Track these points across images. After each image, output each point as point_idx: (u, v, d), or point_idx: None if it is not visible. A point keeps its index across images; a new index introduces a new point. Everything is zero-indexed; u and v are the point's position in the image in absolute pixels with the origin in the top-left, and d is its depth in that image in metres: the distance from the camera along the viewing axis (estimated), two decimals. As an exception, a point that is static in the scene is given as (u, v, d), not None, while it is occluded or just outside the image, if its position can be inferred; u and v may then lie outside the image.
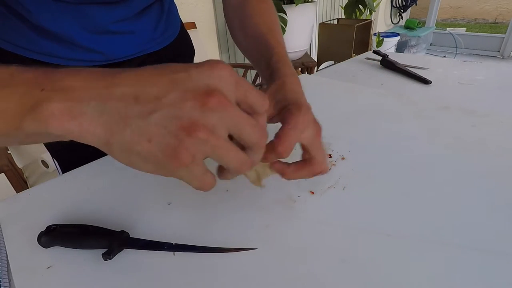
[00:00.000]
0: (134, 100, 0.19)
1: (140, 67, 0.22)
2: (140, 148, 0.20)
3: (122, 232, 0.34)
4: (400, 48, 3.47)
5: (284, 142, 0.29)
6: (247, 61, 2.45)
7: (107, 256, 0.32)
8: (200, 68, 0.21)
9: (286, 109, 0.32)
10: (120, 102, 0.19)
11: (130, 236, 0.34)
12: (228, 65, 0.22)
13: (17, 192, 0.46)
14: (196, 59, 0.76)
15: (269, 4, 0.53)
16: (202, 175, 0.23)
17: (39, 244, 0.34)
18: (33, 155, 1.15)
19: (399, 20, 4.10)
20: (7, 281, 0.32)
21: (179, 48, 0.67)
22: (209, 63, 0.21)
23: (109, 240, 0.33)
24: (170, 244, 0.33)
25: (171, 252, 0.33)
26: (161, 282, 0.31)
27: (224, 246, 0.33)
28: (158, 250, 0.33)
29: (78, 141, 0.20)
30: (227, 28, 0.58)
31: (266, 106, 0.23)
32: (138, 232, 0.37)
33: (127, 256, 0.33)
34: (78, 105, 0.19)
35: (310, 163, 0.32)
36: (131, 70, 0.21)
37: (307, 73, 1.88)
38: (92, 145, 0.21)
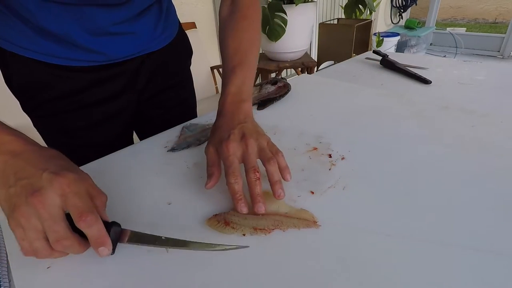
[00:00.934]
0: (13, 174, 0.30)
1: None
2: (2, 204, 0.31)
3: (113, 223, 0.33)
4: (400, 48, 3.47)
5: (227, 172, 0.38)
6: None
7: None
8: (51, 174, 0.30)
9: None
10: (10, 173, 0.30)
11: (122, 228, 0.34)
12: (70, 181, 0.30)
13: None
14: (196, 59, 0.76)
15: (249, 21, 0.53)
16: (31, 237, 0.29)
17: None
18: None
19: (399, 20, 4.10)
20: (7, 281, 0.32)
21: (177, 48, 0.67)
22: (60, 174, 0.30)
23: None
24: (161, 238, 0.33)
25: (165, 250, 0.33)
26: (158, 281, 0.31)
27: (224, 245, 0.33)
28: (151, 245, 0.33)
29: None
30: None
31: (83, 224, 0.29)
32: (139, 230, 0.37)
33: (127, 256, 0.33)
34: None
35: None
36: (37, 151, 0.32)
37: (307, 73, 1.88)
38: None
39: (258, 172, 0.38)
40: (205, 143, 0.55)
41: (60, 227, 0.29)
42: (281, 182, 0.39)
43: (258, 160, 0.40)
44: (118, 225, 0.33)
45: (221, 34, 0.55)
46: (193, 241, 0.33)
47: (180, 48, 0.69)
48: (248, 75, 0.49)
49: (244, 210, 0.37)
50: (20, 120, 0.56)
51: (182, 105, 0.73)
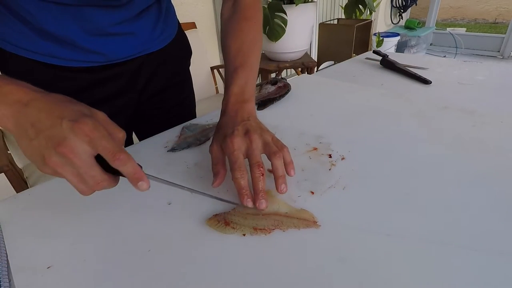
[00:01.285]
0: (31, 125, 0.30)
1: (62, 95, 0.33)
2: (28, 155, 0.31)
3: None
4: (400, 48, 3.47)
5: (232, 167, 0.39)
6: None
7: None
8: (70, 122, 0.29)
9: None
10: (24, 123, 0.30)
11: None
12: (92, 125, 0.30)
13: (17, 192, 0.46)
14: (196, 59, 0.76)
15: (250, 22, 0.53)
16: (76, 183, 0.31)
17: None
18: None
19: (399, 20, 4.10)
20: (7, 281, 0.32)
21: (177, 48, 0.67)
22: (79, 121, 0.30)
23: None
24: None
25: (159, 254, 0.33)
26: (157, 282, 0.31)
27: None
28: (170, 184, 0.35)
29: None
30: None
31: (118, 162, 0.30)
32: (139, 232, 0.37)
33: (127, 256, 0.34)
34: (7, 113, 0.31)
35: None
36: (46, 98, 0.31)
37: (307, 73, 1.88)
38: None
39: (262, 167, 0.38)
40: (205, 143, 0.55)
41: (95, 171, 0.30)
42: (285, 177, 0.39)
43: (263, 156, 0.40)
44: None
45: (223, 35, 0.55)
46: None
47: (179, 48, 0.69)
48: (250, 76, 0.49)
49: (250, 204, 0.37)
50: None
51: (182, 105, 0.74)
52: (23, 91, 0.31)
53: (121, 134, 0.33)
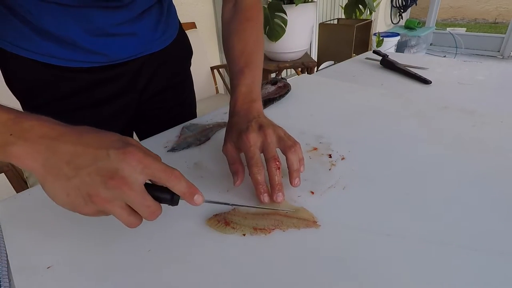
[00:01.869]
0: (66, 164, 0.27)
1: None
2: (62, 198, 0.28)
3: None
4: (400, 48, 3.47)
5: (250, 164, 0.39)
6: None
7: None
8: (118, 152, 0.28)
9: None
10: (56, 162, 0.27)
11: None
12: (140, 152, 0.29)
13: (17, 192, 0.46)
14: (196, 59, 0.76)
15: (252, 22, 0.54)
16: (126, 216, 0.30)
17: None
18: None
19: (399, 20, 4.10)
20: (7, 281, 0.32)
21: (178, 49, 0.67)
22: (126, 150, 0.28)
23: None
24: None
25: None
26: (157, 282, 0.31)
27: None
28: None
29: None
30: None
31: (174, 181, 0.30)
32: (139, 232, 0.37)
33: (127, 256, 0.34)
34: (33, 151, 0.27)
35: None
36: (75, 132, 0.29)
37: (307, 73, 1.88)
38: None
39: (278, 161, 0.39)
40: (205, 143, 0.55)
41: (150, 201, 0.30)
42: (299, 171, 0.40)
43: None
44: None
45: (225, 36, 0.55)
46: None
47: (180, 49, 0.69)
48: (256, 75, 0.49)
49: (267, 200, 0.38)
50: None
51: (182, 105, 0.74)
52: (47, 126, 0.29)
53: (157, 155, 0.32)
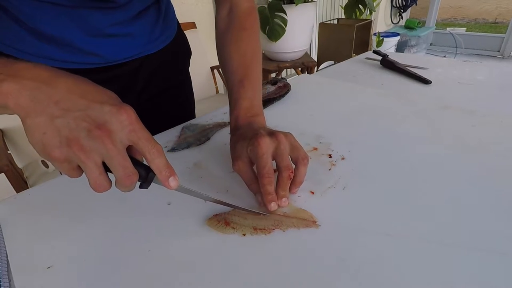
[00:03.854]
0: (54, 103, 0.26)
1: (85, 77, 0.30)
2: (37, 135, 0.27)
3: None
4: (400, 48, 3.47)
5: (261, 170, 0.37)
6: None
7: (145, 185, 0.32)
8: (112, 107, 0.27)
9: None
10: (45, 99, 0.26)
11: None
12: (134, 114, 0.28)
13: (17, 192, 0.46)
14: (196, 59, 0.76)
15: (249, 31, 0.52)
16: (97, 175, 0.28)
17: None
18: (33, 155, 1.15)
19: (399, 20, 4.10)
20: (7, 281, 0.32)
21: (176, 50, 0.67)
22: (122, 108, 0.28)
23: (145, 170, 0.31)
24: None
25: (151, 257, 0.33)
26: (157, 282, 0.31)
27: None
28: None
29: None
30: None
31: (155, 154, 0.29)
32: (139, 232, 0.37)
33: (126, 256, 0.34)
34: (22, 88, 0.26)
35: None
36: (71, 79, 0.28)
37: (307, 73, 1.88)
38: (18, 115, 0.27)
39: (292, 171, 0.38)
40: (205, 143, 0.55)
41: (129, 162, 0.28)
42: (302, 183, 0.40)
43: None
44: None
45: (220, 45, 0.54)
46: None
47: (179, 49, 0.69)
48: (257, 88, 0.48)
49: (275, 208, 0.37)
50: (18, 121, 0.56)
51: (181, 106, 0.73)
52: (41, 68, 0.27)
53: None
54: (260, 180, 0.37)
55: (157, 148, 0.29)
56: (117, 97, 0.30)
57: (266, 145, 0.37)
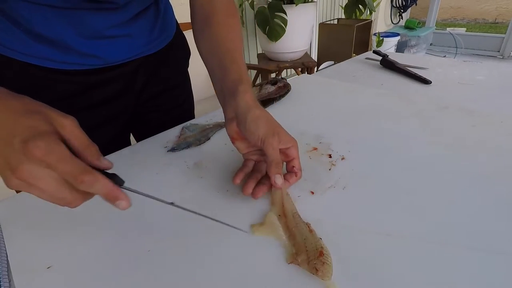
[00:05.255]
0: None
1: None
2: None
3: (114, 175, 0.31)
4: (400, 48, 3.47)
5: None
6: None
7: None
8: (20, 145, 0.25)
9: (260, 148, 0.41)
10: None
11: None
12: (42, 150, 0.25)
13: (17, 192, 0.46)
14: (196, 60, 0.76)
15: (236, 19, 0.52)
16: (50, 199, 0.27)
17: None
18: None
19: (399, 20, 4.10)
20: (7, 281, 0.32)
21: (175, 50, 0.67)
22: (28, 143, 0.25)
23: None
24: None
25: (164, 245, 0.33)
26: (157, 282, 0.31)
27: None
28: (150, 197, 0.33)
29: None
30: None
31: (85, 185, 0.27)
32: (139, 232, 0.37)
33: (126, 256, 0.34)
34: None
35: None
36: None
37: (307, 73, 1.88)
38: None
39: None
40: (205, 143, 0.55)
41: (66, 193, 0.27)
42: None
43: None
44: (119, 178, 0.31)
45: (204, 28, 0.51)
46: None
47: (178, 50, 0.68)
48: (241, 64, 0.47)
49: (280, 182, 0.39)
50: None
51: (180, 107, 0.73)
52: None
53: (92, 146, 0.30)
54: (269, 169, 0.39)
55: (83, 178, 0.27)
56: (39, 122, 0.27)
57: (276, 150, 0.39)
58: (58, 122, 0.28)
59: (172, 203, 0.34)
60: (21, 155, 0.25)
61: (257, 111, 0.41)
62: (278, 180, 0.38)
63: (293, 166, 0.41)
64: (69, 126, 0.29)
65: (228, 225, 0.36)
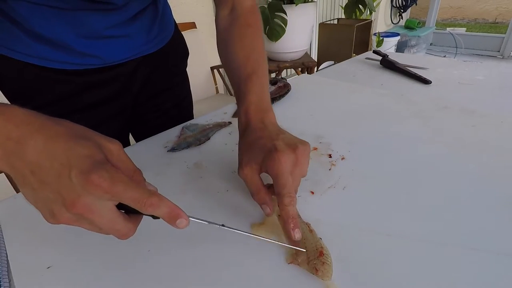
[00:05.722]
0: (30, 173, 0.25)
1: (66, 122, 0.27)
2: (33, 204, 0.26)
3: None
4: (400, 48, 3.47)
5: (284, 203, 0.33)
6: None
7: None
8: (80, 177, 0.24)
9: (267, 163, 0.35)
10: (21, 167, 0.25)
11: None
12: (106, 180, 0.24)
13: (17, 192, 0.46)
14: (196, 59, 0.76)
15: (254, 28, 0.51)
16: (98, 230, 0.27)
17: None
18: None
19: (399, 20, 4.10)
20: (7, 281, 0.32)
21: (173, 50, 0.67)
22: (90, 176, 0.24)
23: None
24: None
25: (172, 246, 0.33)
26: (157, 282, 0.31)
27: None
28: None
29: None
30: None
31: (149, 209, 0.26)
32: (139, 232, 0.37)
33: (127, 256, 0.34)
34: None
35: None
36: (40, 137, 0.25)
37: (307, 73, 1.88)
38: None
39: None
40: (205, 143, 0.55)
41: (120, 225, 0.27)
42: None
43: None
44: None
45: (223, 43, 0.52)
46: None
47: (176, 50, 0.68)
48: (265, 83, 0.46)
49: (299, 237, 0.32)
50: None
51: (179, 106, 0.73)
52: (12, 123, 0.25)
53: (138, 171, 0.29)
54: (280, 200, 0.33)
55: (150, 202, 0.26)
56: (92, 150, 0.26)
57: (288, 163, 0.34)
58: (106, 148, 0.27)
59: (222, 225, 0.32)
60: (80, 187, 0.24)
61: (246, 137, 0.39)
62: (298, 235, 0.32)
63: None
64: (116, 151, 0.28)
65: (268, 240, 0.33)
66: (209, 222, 0.31)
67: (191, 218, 0.29)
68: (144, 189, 0.26)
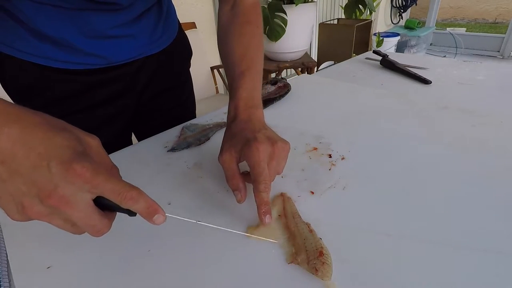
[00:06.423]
0: (0, 163, 0.23)
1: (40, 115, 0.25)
2: None
3: None
4: (400, 48, 3.47)
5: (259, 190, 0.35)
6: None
7: None
8: (60, 167, 0.23)
9: (245, 152, 0.37)
10: None
11: None
12: (88, 170, 0.24)
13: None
14: (196, 59, 0.76)
15: (253, 26, 0.51)
16: (69, 227, 0.26)
17: None
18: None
19: (399, 20, 4.10)
20: (7, 281, 0.32)
21: (177, 50, 0.67)
22: (71, 166, 0.23)
23: None
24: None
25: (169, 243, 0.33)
26: (157, 282, 0.31)
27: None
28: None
29: None
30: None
31: (129, 203, 0.26)
32: (139, 232, 0.37)
33: (127, 255, 0.34)
34: None
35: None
36: (15, 127, 0.23)
37: (307, 73, 1.88)
38: None
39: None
40: (205, 143, 0.55)
41: (96, 220, 0.26)
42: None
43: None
44: None
45: (222, 38, 0.53)
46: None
47: (179, 50, 0.69)
48: (257, 81, 0.47)
49: (269, 221, 0.34)
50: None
51: (181, 106, 0.73)
52: None
53: (116, 168, 0.29)
54: (256, 187, 0.35)
55: (130, 196, 0.26)
56: (71, 142, 0.25)
57: (265, 153, 0.36)
58: (85, 142, 0.27)
59: (198, 221, 0.34)
60: (59, 178, 0.23)
61: (231, 128, 0.41)
62: (269, 220, 0.34)
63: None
64: (95, 146, 0.28)
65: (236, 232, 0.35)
66: (185, 219, 0.32)
67: (167, 215, 0.29)
68: (125, 182, 0.26)
